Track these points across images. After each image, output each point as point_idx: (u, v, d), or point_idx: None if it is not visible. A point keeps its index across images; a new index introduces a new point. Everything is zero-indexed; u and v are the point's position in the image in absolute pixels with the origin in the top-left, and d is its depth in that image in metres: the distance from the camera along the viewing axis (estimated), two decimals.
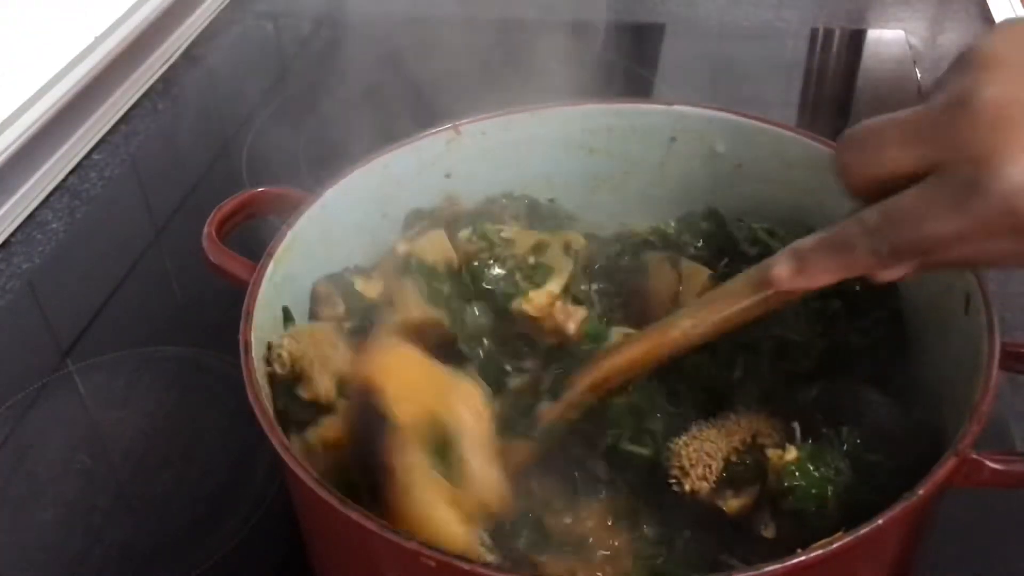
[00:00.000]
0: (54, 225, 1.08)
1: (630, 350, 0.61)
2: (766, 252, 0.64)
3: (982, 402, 0.54)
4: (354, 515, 0.49)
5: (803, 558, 0.47)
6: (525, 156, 0.79)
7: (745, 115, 0.77)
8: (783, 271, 0.54)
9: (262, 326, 0.63)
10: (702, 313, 0.59)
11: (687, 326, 0.59)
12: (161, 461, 0.81)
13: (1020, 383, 0.82)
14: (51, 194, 1.12)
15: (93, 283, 0.99)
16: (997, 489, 0.55)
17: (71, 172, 1.15)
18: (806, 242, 0.53)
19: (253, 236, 0.71)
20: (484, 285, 0.69)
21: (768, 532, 0.57)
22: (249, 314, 0.62)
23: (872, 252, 0.49)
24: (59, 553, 0.74)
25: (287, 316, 0.68)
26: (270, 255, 0.66)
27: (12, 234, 1.06)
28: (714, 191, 0.79)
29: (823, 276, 0.52)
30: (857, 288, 0.66)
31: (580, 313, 0.69)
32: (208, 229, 0.69)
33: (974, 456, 0.53)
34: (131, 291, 0.98)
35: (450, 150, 0.77)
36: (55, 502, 0.77)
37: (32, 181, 1.11)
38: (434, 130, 0.77)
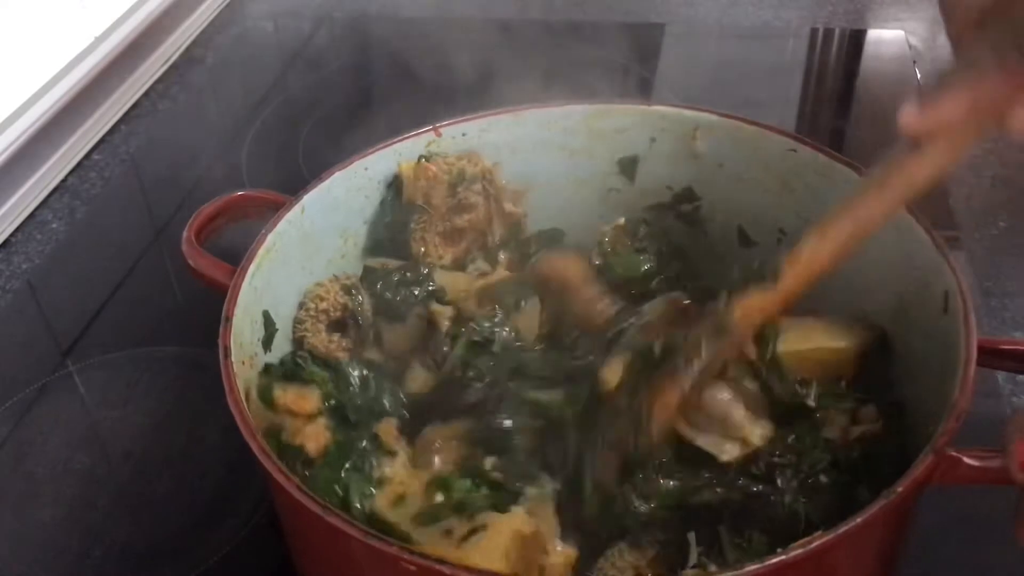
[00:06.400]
0: (54, 225, 1.08)
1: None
2: None
3: (960, 399, 0.54)
4: (335, 521, 0.50)
5: (783, 557, 0.47)
6: (506, 157, 0.79)
7: (726, 115, 0.76)
8: (908, 110, 0.52)
9: (242, 330, 0.63)
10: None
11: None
12: (161, 461, 0.81)
13: (1018, 381, 0.82)
14: (51, 194, 1.12)
15: (93, 283, 0.99)
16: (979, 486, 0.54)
17: (71, 172, 1.15)
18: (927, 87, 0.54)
19: (241, 240, 0.71)
20: None
21: None
22: (228, 319, 0.61)
23: (999, 65, 0.49)
24: (59, 553, 0.74)
25: (267, 320, 0.68)
26: (249, 259, 0.66)
27: (12, 234, 1.06)
28: (695, 191, 0.79)
29: (951, 105, 0.51)
30: None
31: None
32: (187, 234, 0.69)
33: (952, 453, 0.52)
34: (131, 291, 0.98)
35: (430, 152, 0.77)
36: (55, 502, 0.78)
37: (32, 181, 1.11)
38: (414, 132, 0.77)
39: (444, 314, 0.72)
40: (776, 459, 0.61)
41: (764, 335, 0.64)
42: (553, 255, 0.75)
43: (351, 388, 0.68)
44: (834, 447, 0.62)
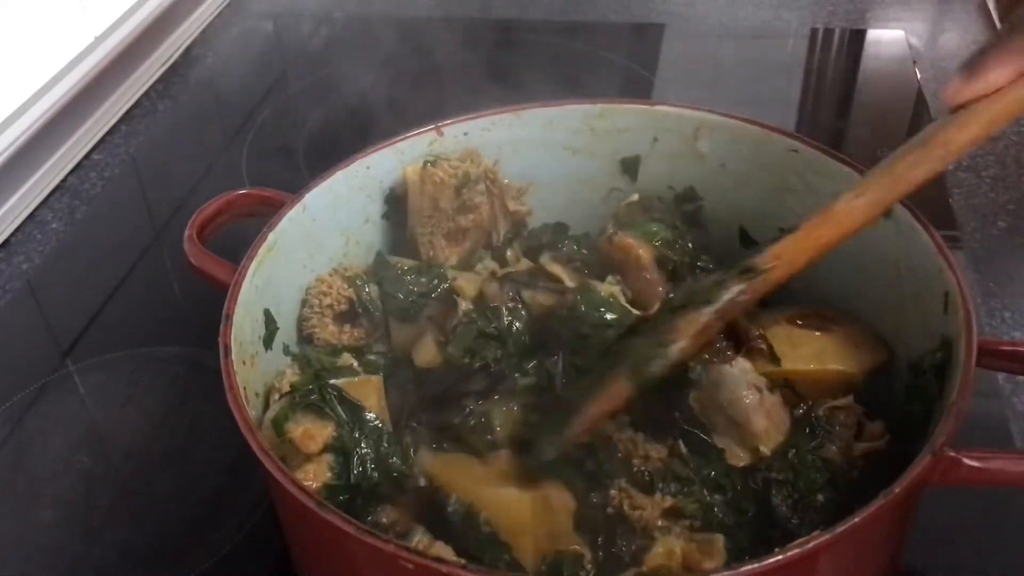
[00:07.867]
0: (54, 225, 1.08)
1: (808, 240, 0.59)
2: None
3: (959, 400, 0.54)
4: (332, 518, 0.50)
5: (780, 557, 0.47)
6: (507, 157, 0.79)
7: (728, 115, 0.76)
8: (954, 83, 0.53)
9: (242, 328, 0.63)
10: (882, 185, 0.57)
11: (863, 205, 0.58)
12: (161, 461, 0.81)
13: (1018, 382, 0.82)
14: (51, 194, 1.12)
15: (93, 283, 0.99)
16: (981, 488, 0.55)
17: (71, 172, 1.15)
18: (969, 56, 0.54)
19: (242, 239, 0.71)
20: None
21: None
22: (229, 317, 0.62)
23: None
24: (59, 553, 0.74)
25: (268, 318, 0.68)
26: (250, 257, 0.66)
27: (12, 234, 1.06)
28: (697, 191, 0.79)
29: (998, 68, 0.52)
30: None
31: None
32: (189, 232, 0.70)
33: (951, 454, 0.52)
34: (131, 291, 0.98)
35: (432, 151, 0.77)
36: (55, 502, 0.77)
37: (32, 181, 1.11)
38: (416, 131, 0.77)
39: (467, 294, 0.72)
40: (773, 475, 0.61)
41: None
42: (628, 233, 0.76)
43: (364, 442, 0.63)
44: (833, 467, 0.61)
